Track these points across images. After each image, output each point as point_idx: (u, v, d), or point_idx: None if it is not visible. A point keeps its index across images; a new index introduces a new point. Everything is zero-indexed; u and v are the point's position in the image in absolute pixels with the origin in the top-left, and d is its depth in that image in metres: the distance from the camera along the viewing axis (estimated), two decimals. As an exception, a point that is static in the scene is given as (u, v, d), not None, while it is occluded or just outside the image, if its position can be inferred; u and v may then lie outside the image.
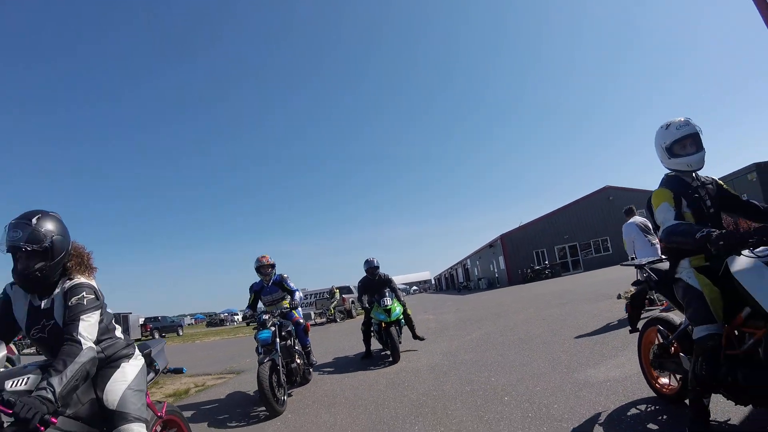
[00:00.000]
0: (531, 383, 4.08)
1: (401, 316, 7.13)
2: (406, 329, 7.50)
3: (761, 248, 2.19)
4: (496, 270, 36.86)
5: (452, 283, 62.41)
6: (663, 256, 2.98)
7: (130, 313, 29.82)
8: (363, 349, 7.44)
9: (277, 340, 4.80)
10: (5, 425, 1.57)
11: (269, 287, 5.77)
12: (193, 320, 70.59)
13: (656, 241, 6.28)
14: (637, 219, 6.77)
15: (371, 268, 7.52)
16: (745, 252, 2.20)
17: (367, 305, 7.18)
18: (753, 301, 2.11)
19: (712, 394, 2.39)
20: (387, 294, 7.15)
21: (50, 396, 1.60)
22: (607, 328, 6.15)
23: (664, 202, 2.49)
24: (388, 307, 6.87)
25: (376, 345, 7.50)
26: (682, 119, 2.62)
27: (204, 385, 7.08)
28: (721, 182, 2.73)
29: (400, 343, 6.87)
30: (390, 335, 6.58)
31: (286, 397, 4.69)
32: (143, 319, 32.14)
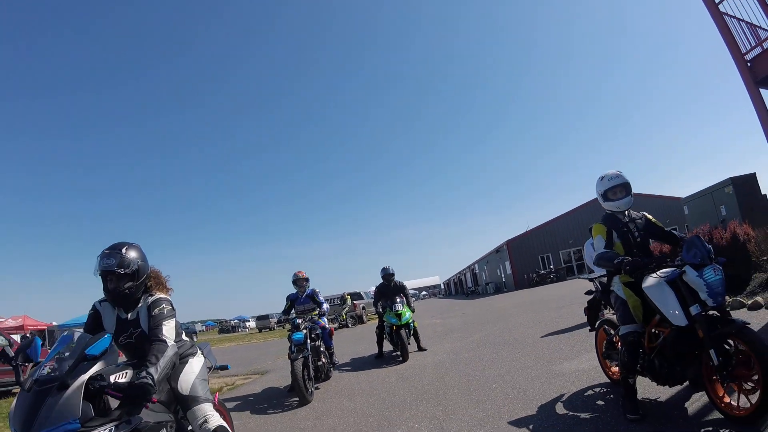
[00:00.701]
0: (516, 374, 4.94)
1: (411, 320, 7.96)
2: (415, 331, 8.32)
3: (665, 270, 3.05)
4: (503, 275, 37.46)
5: (461, 287, 62.81)
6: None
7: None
8: (376, 351, 8.30)
9: (308, 341, 5.74)
10: (113, 408, 2.01)
11: (303, 298, 6.77)
12: (204, 327, 71.19)
13: None
14: None
15: (387, 275, 8.32)
16: (654, 273, 3.07)
17: (380, 310, 8.04)
18: (658, 309, 2.99)
19: (642, 378, 3.26)
20: (398, 300, 7.96)
21: (150, 381, 2.03)
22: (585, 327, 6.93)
23: (599, 235, 3.37)
24: (399, 312, 7.70)
25: (387, 347, 8.33)
26: (616, 172, 3.48)
27: (234, 384, 7.95)
28: (650, 217, 3.55)
29: (409, 344, 7.67)
30: (400, 337, 7.41)
31: (314, 389, 5.62)
32: None
